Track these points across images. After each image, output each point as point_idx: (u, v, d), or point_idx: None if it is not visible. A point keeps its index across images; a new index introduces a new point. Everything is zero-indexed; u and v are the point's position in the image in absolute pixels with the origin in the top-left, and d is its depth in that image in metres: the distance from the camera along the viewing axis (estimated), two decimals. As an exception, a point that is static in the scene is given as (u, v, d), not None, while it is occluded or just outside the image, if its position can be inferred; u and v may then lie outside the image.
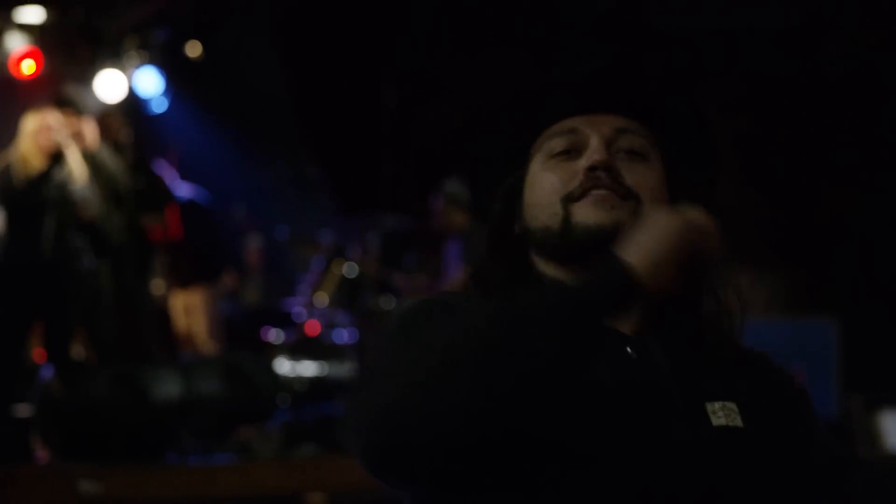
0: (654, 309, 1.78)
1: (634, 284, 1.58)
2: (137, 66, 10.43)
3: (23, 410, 7.55)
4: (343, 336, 8.80)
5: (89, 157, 8.01)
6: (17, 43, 10.46)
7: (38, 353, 8.11)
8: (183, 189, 9.70)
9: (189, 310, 9.71)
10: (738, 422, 1.74)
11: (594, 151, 1.76)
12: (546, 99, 1.82)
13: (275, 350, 8.78)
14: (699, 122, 1.88)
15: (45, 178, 7.47)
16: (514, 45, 9.10)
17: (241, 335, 9.70)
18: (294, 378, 8.55)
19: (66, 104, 8.28)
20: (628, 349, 1.76)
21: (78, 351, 7.83)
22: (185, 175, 9.78)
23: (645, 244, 1.61)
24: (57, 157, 7.53)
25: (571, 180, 1.76)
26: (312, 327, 9.00)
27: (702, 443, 1.70)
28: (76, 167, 7.62)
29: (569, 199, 1.76)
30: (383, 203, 8.22)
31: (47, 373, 7.26)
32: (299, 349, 8.71)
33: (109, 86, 10.25)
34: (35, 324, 7.70)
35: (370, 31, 9.41)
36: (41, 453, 7.10)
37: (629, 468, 1.65)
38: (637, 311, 1.77)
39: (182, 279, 9.69)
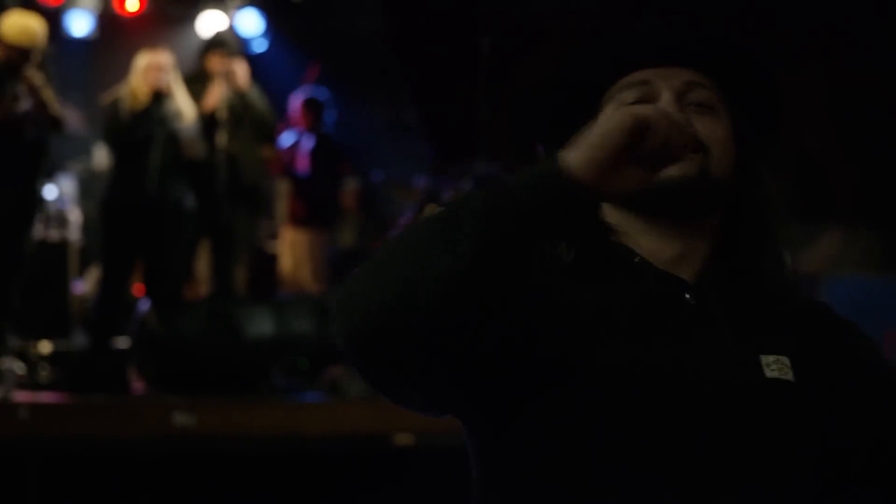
0: (715, 258, 1.82)
1: (567, 180, 1.58)
2: (239, 7, 10.52)
3: (122, 343, 7.74)
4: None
5: (240, 97, 8.20)
6: (122, -19, 10.61)
7: (138, 288, 8.30)
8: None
9: (296, 249, 9.78)
10: (790, 376, 1.77)
11: (666, 104, 1.77)
12: (619, 50, 1.84)
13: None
14: (766, 78, 1.90)
15: (148, 113, 7.59)
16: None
17: (336, 277, 9.80)
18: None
19: (218, 45, 8.46)
20: (687, 295, 1.79)
21: (177, 286, 8.00)
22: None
23: (585, 142, 1.61)
24: (161, 96, 7.65)
25: None
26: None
27: (751, 390, 1.74)
28: (185, 106, 7.76)
29: None
30: (478, 149, 8.23)
31: (144, 307, 7.42)
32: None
33: (211, 26, 10.36)
34: (137, 259, 7.87)
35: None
36: (137, 385, 7.27)
37: (664, 401, 1.69)
38: (698, 259, 1.81)
39: (296, 217, 9.76)
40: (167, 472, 6.74)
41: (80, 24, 10.78)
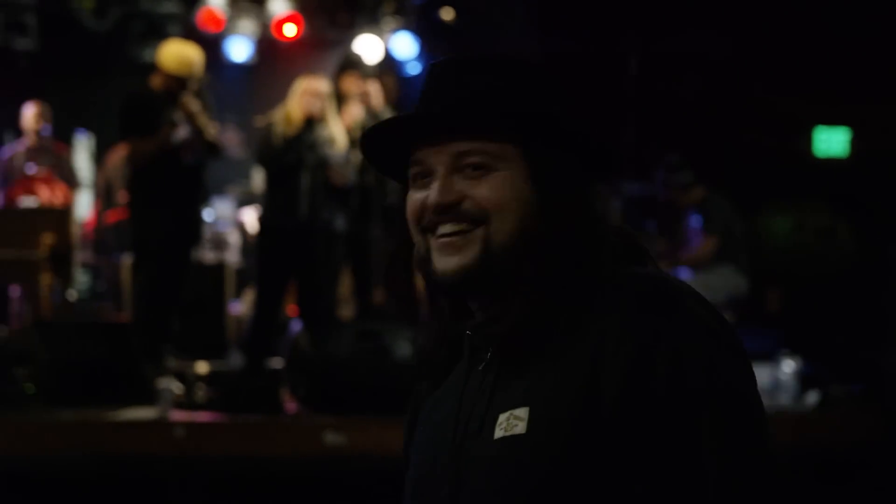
0: (518, 299, 1.80)
1: None
2: (394, 31, 10.66)
3: (275, 363, 7.89)
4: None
5: (375, 117, 8.33)
6: (280, 7, 10.84)
7: (291, 309, 8.45)
8: None
9: None
10: (521, 429, 1.74)
11: (434, 189, 1.82)
12: (400, 133, 1.88)
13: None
14: (546, 122, 1.84)
15: (300, 139, 7.73)
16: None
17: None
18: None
19: (353, 66, 8.58)
20: (488, 354, 1.86)
21: (329, 307, 8.12)
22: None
23: None
24: (314, 122, 7.77)
25: (423, 210, 1.84)
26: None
27: (480, 455, 1.79)
28: (337, 133, 7.87)
29: (424, 230, 1.85)
30: (626, 169, 8.22)
31: (296, 328, 7.54)
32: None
33: (367, 49, 10.52)
34: (290, 281, 8.02)
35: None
36: (290, 405, 7.39)
37: (417, 483, 1.92)
38: (512, 312, 1.81)
39: None
40: (318, 490, 6.84)
41: (239, 49, 11.05)
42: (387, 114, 8.55)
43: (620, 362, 1.69)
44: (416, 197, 1.84)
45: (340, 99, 8.36)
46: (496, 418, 1.77)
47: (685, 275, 8.31)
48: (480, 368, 1.85)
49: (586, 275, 1.78)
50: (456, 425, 1.83)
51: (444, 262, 1.81)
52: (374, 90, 8.51)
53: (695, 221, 8.52)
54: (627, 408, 1.68)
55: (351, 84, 8.45)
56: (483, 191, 1.79)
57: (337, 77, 8.56)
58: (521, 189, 1.80)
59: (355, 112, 8.29)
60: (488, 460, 1.76)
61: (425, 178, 1.84)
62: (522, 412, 1.74)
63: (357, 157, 8.11)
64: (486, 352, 1.85)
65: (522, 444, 1.73)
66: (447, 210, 1.80)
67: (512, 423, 1.75)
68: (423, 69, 1.90)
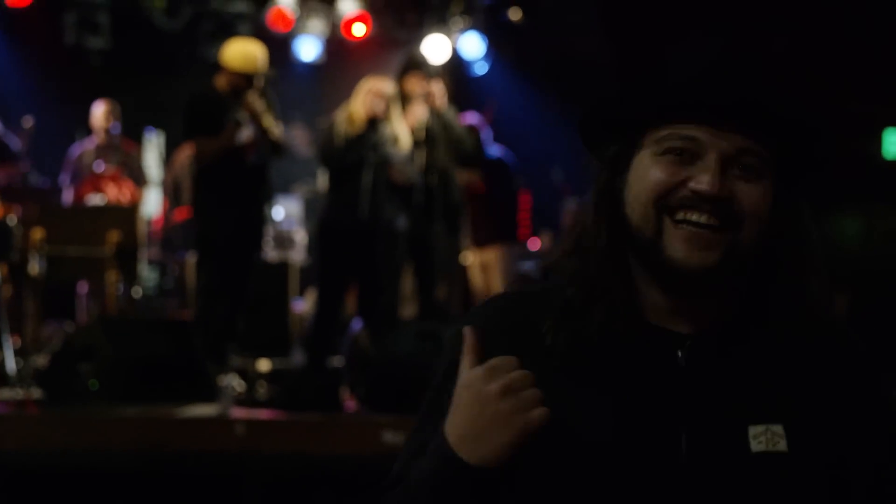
0: (720, 304, 1.77)
1: (460, 465, 1.62)
2: (461, 31, 10.67)
3: (337, 362, 7.92)
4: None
5: (438, 118, 8.35)
6: (349, 7, 10.89)
7: (352, 307, 8.48)
8: (493, 148, 9.89)
9: (486, 268, 9.85)
10: (782, 446, 1.70)
11: (709, 173, 1.71)
12: (677, 97, 1.74)
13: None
14: (825, 147, 1.82)
15: (362, 139, 7.75)
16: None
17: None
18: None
19: (417, 67, 8.61)
20: (679, 353, 1.76)
21: (390, 306, 8.14)
22: (499, 136, 9.95)
23: (457, 419, 1.65)
24: (377, 122, 7.80)
25: (674, 188, 1.72)
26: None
27: (734, 467, 1.69)
28: (401, 133, 7.90)
29: (663, 208, 1.73)
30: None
31: (357, 327, 7.57)
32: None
33: (435, 49, 10.54)
34: (352, 280, 8.06)
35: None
36: (349, 403, 7.42)
37: (645, 483, 1.69)
38: (703, 311, 1.76)
39: (480, 237, 9.83)
40: (376, 489, 6.85)
41: (308, 49, 11.11)
42: (451, 114, 8.56)
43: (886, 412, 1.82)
44: (667, 171, 1.73)
45: (404, 99, 8.38)
46: (739, 429, 1.71)
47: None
48: (667, 370, 1.75)
49: (808, 299, 1.78)
50: (660, 428, 1.71)
51: (686, 253, 1.71)
52: (438, 90, 8.52)
53: None
54: None
55: (415, 84, 8.45)
56: (754, 197, 1.73)
57: (400, 77, 8.58)
58: (768, 213, 1.75)
59: (419, 112, 8.30)
60: (746, 474, 1.70)
61: (683, 155, 1.72)
62: (779, 429, 1.72)
63: (420, 157, 8.14)
64: (677, 352, 1.76)
65: (786, 463, 1.70)
66: (715, 202, 1.71)
67: (772, 438, 1.71)
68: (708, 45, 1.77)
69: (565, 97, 11.01)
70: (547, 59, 11.18)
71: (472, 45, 10.78)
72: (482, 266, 9.89)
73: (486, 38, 10.74)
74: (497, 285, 9.77)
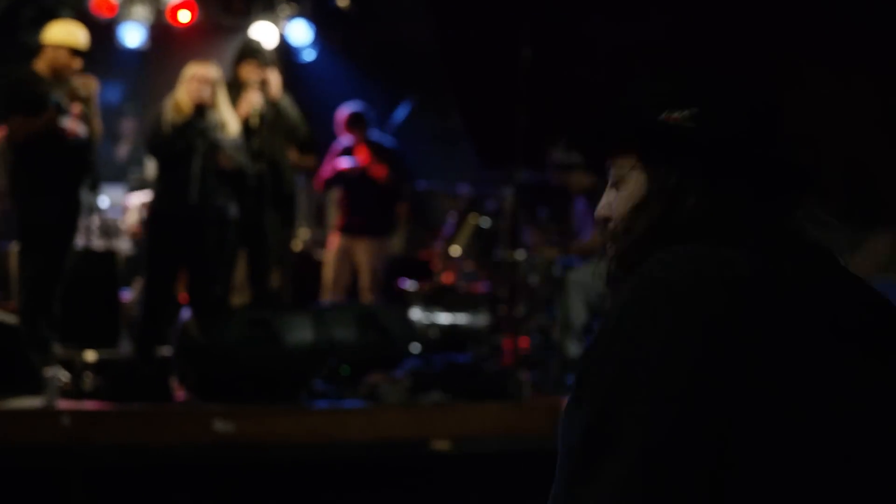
0: None
1: None
2: (289, 18, 10.61)
3: (166, 351, 7.85)
4: (476, 287, 8.92)
5: (273, 105, 8.31)
6: (174, -7, 10.73)
7: (182, 297, 8.40)
8: (380, 136, 9.93)
9: (349, 257, 9.83)
10: None
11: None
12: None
13: (410, 299, 8.97)
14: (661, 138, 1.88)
15: (189, 126, 7.70)
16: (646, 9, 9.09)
17: (382, 284, 9.87)
18: (427, 326, 8.73)
19: (252, 55, 8.55)
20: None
21: (221, 294, 8.09)
22: (326, 121, 9.98)
23: None
24: (204, 108, 7.75)
25: None
26: (447, 277, 9.16)
27: None
28: (228, 118, 7.86)
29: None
30: (519, 157, 8.26)
31: (186, 316, 7.51)
32: (434, 299, 8.88)
33: (262, 36, 10.46)
34: (181, 269, 7.99)
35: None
36: (179, 393, 7.36)
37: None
38: None
39: (355, 226, 9.81)
40: (207, 479, 6.83)
41: (132, 35, 10.92)
42: (286, 102, 8.54)
43: None
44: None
45: (239, 86, 8.34)
46: None
47: (577, 263, 8.40)
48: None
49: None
50: None
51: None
52: (274, 78, 8.50)
53: (580, 206, 8.59)
54: None
55: (250, 72, 8.43)
56: (612, 201, 1.90)
57: (236, 65, 8.53)
58: (630, 205, 1.86)
59: (254, 100, 8.28)
60: None
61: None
62: None
63: (255, 144, 8.11)
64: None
65: None
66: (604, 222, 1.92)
67: None
68: None
69: (392, 83, 11.08)
70: (374, 45, 11.21)
71: (300, 32, 10.74)
72: (345, 255, 9.82)
73: (313, 25, 10.70)
74: (364, 276, 9.74)
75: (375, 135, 9.92)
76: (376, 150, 9.78)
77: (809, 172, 1.82)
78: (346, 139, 9.83)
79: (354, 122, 9.75)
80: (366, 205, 9.74)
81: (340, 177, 9.74)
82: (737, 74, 1.88)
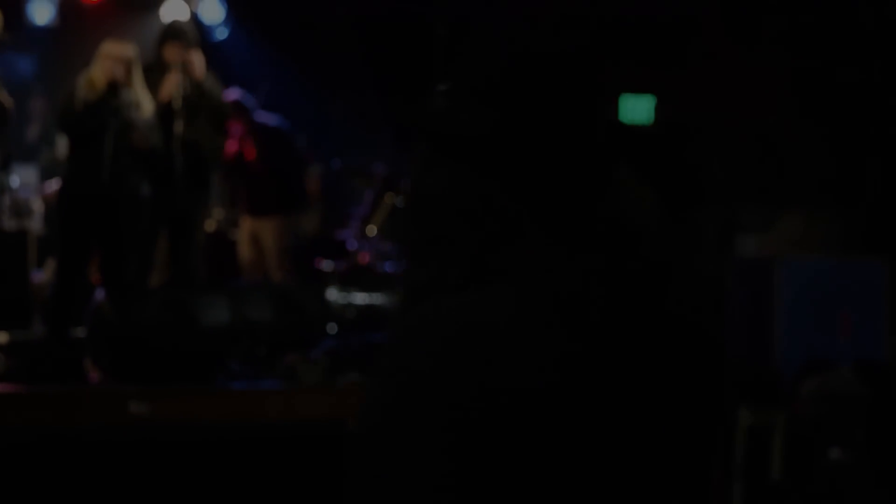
0: None
1: None
2: (201, -5, 10.55)
3: (79, 333, 7.77)
4: (392, 267, 8.93)
5: (196, 86, 8.22)
6: (85, -31, 10.62)
7: (96, 278, 8.33)
8: (267, 117, 9.85)
9: (258, 238, 9.82)
10: None
11: None
12: None
13: (326, 279, 8.96)
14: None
15: (102, 104, 7.61)
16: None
17: (298, 264, 9.86)
18: (344, 306, 8.73)
19: (176, 36, 8.46)
20: None
21: (135, 275, 8.03)
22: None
23: None
24: (117, 86, 7.66)
25: None
26: (363, 257, 9.15)
27: None
28: (142, 97, 7.78)
29: None
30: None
31: (100, 296, 7.44)
32: (350, 279, 8.87)
33: (174, 14, 10.39)
34: (93, 249, 7.91)
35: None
36: (93, 374, 7.29)
37: None
38: None
39: (256, 207, 9.80)
40: (123, 460, 6.77)
41: (42, 12, 10.80)
42: (210, 82, 8.46)
43: None
44: None
45: (162, 68, 8.24)
46: None
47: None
48: None
49: None
50: None
51: None
52: (197, 59, 8.42)
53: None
54: None
55: (173, 53, 8.32)
56: None
57: (159, 46, 8.42)
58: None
59: (175, 81, 8.19)
60: None
61: None
62: None
63: (177, 127, 8.03)
64: None
65: None
66: None
67: None
68: None
69: (305, 62, 11.03)
70: (287, 23, 11.15)
71: (212, 10, 10.69)
72: (253, 236, 9.82)
73: (225, 3, 10.65)
74: (271, 256, 9.72)
75: (262, 116, 9.83)
76: (260, 131, 9.71)
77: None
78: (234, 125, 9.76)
79: (233, 109, 9.66)
80: (254, 186, 9.73)
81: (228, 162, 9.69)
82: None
